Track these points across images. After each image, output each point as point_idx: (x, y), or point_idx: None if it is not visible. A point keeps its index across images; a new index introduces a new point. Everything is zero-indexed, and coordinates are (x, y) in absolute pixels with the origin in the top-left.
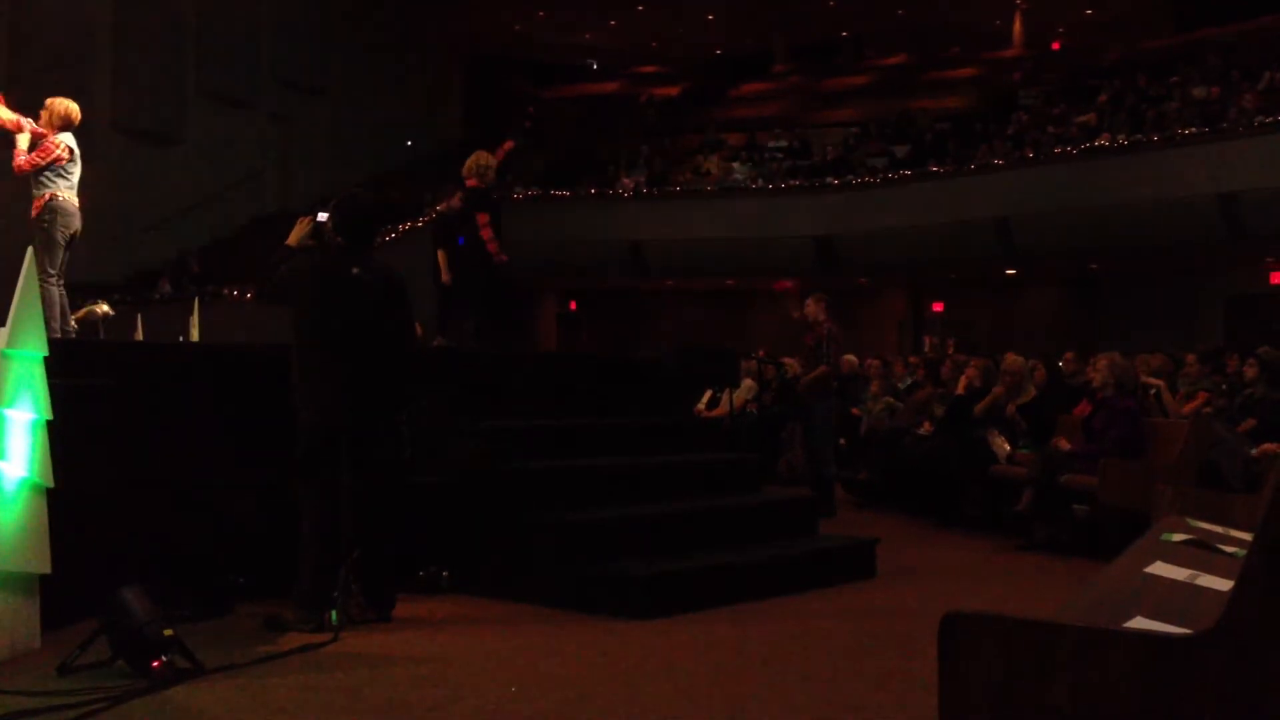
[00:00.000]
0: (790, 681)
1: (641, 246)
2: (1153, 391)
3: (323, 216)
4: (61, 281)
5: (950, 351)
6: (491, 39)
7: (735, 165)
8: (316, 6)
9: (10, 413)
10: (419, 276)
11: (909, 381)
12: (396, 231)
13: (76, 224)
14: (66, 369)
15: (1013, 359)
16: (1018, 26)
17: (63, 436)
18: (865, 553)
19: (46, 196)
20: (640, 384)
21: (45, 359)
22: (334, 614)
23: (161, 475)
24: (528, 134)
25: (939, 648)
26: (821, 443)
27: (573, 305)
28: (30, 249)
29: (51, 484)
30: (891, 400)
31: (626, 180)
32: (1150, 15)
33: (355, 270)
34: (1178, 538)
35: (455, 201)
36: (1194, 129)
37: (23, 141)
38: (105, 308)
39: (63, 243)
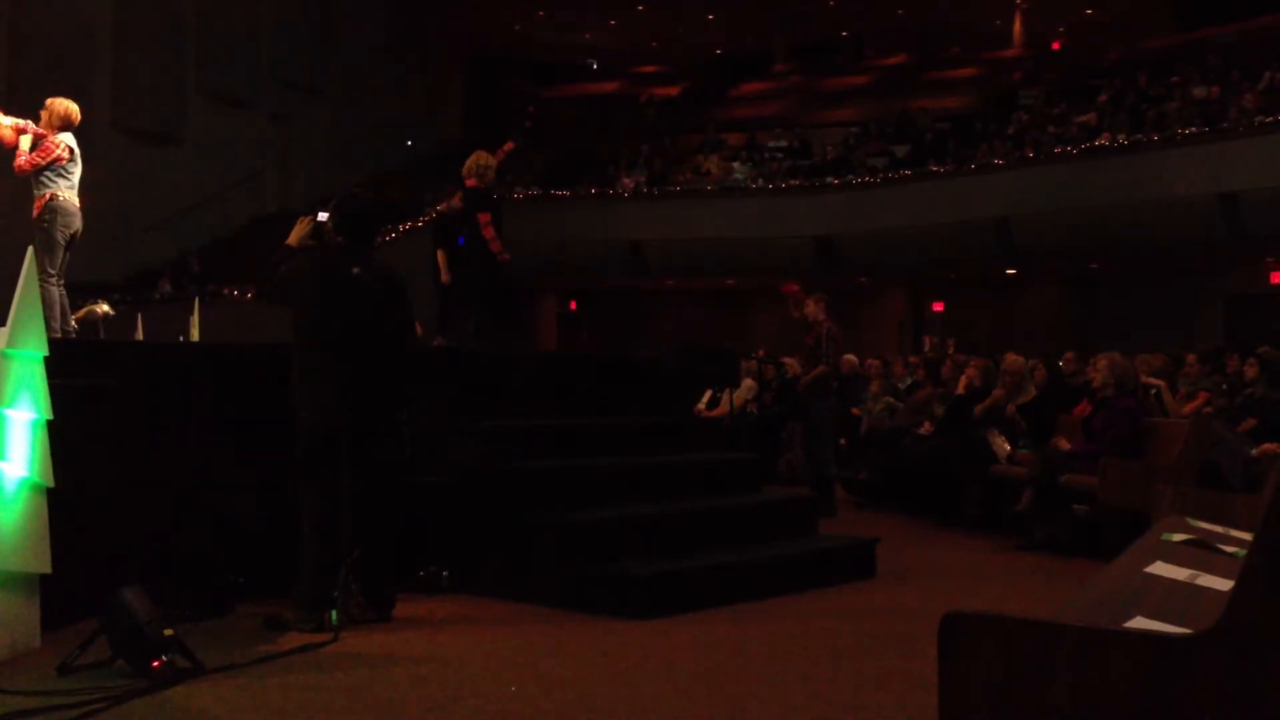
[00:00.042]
0: (790, 681)
1: (641, 246)
2: (1153, 391)
3: (323, 216)
4: (62, 281)
5: (950, 351)
6: (491, 39)
7: (735, 165)
8: (316, 6)
9: (10, 413)
10: (419, 276)
11: (909, 381)
12: (396, 231)
13: (77, 224)
14: (66, 369)
15: (1013, 359)
16: (1018, 26)
17: (63, 436)
18: (865, 553)
19: (47, 196)
20: (640, 384)
21: (45, 359)
22: (334, 614)
23: (161, 475)
24: (528, 134)
25: (939, 648)
26: (821, 443)
27: (573, 305)
28: (30, 249)
29: (51, 484)
30: (891, 400)
31: (626, 180)
32: (1150, 15)
33: (355, 270)
34: (1178, 538)
35: (455, 201)
36: (1194, 129)
37: (24, 141)
38: (105, 308)
39: (63, 243)
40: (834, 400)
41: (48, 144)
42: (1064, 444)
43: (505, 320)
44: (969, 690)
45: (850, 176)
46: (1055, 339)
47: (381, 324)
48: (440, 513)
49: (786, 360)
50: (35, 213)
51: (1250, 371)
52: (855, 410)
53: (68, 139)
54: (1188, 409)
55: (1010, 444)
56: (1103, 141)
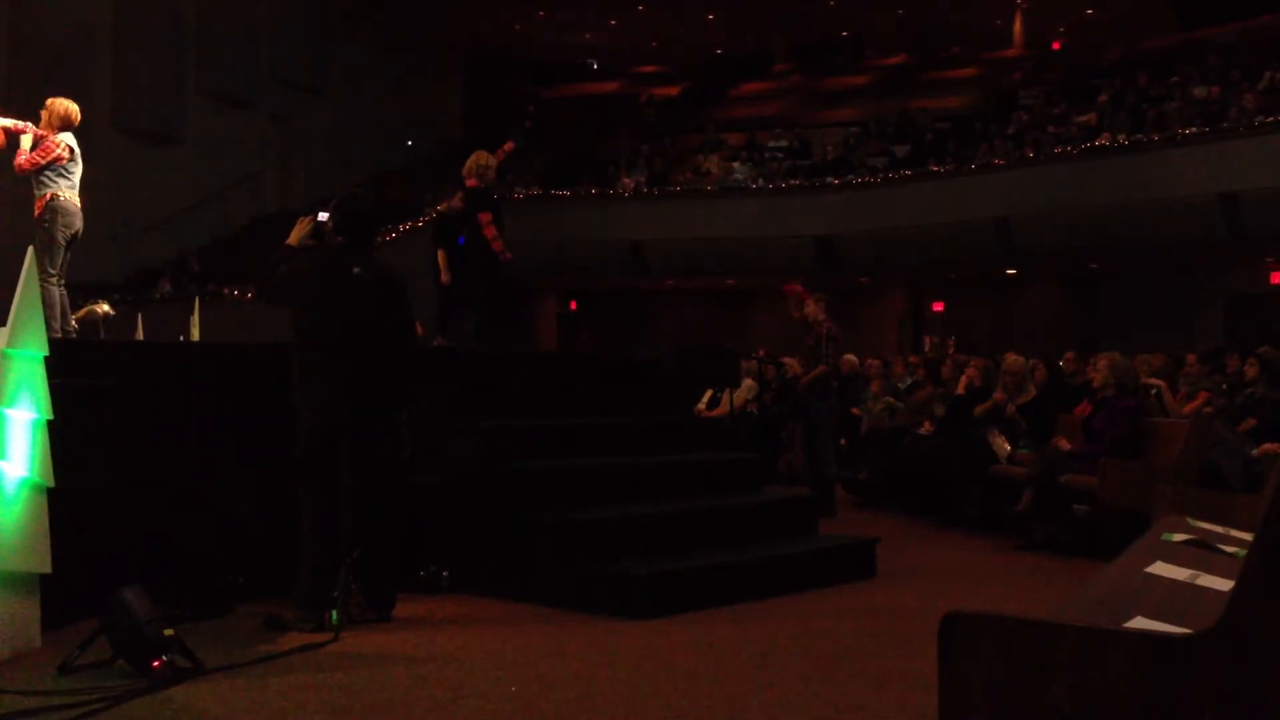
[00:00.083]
0: (790, 681)
1: (641, 246)
2: (1153, 391)
3: (323, 216)
4: (62, 281)
5: (950, 351)
6: (491, 39)
7: (735, 165)
8: (316, 6)
9: (10, 413)
10: (419, 276)
11: (909, 381)
12: (396, 231)
13: (78, 224)
14: (66, 369)
15: (1013, 359)
16: (1018, 26)
17: (63, 436)
18: (865, 553)
19: (47, 196)
20: (640, 384)
21: (45, 359)
22: (334, 614)
23: (161, 475)
24: (528, 134)
25: (939, 648)
26: (821, 443)
27: (573, 305)
28: (30, 249)
29: (51, 484)
30: (891, 400)
31: (626, 180)
32: (1151, 15)
33: (355, 270)
34: (1178, 538)
35: (456, 201)
36: (1194, 129)
37: (24, 141)
38: (105, 308)
39: (63, 242)
40: (834, 400)
41: (48, 144)
42: (1064, 444)
43: (505, 320)
44: (969, 690)
45: (850, 176)
46: (1055, 339)
47: (381, 324)
48: (440, 513)
49: (786, 360)
50: (36, 212)
51: (1250, 371)
52: (855, 410)
53: (68, 139)
54: (1188, 409)
55: (1010, 444)
56: (1103, 141)
